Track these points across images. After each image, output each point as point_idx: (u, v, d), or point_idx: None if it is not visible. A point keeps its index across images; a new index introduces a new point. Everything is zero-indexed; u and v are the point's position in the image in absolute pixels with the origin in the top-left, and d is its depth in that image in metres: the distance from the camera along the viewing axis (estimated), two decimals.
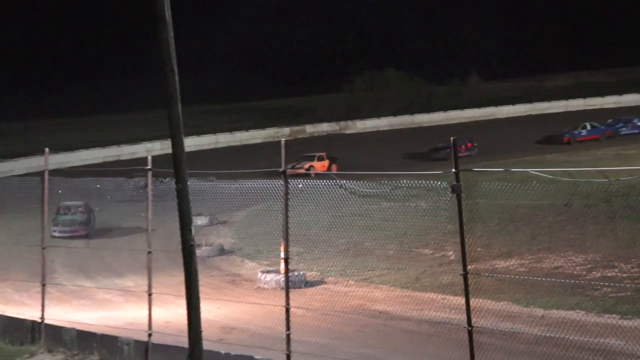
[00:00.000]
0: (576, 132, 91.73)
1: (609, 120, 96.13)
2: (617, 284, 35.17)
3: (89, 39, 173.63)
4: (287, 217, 25.40)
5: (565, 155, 73.73)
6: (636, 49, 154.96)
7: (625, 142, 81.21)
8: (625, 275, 36.73)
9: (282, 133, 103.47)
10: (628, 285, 34.62)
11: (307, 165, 69.15)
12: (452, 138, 22.15)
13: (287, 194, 25.30)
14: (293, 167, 65.53)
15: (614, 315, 31.93)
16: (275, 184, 26.34)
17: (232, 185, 32.76)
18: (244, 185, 31.84)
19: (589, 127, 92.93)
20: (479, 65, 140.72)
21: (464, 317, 21.98)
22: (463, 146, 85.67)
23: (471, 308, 21.95)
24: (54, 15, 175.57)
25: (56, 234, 52.95)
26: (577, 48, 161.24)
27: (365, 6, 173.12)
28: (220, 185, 33.58)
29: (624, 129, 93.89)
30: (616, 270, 37.92)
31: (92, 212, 56.94)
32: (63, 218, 55.94)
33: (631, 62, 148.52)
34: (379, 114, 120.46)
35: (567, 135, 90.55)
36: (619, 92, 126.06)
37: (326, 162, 72.59)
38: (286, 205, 25.33)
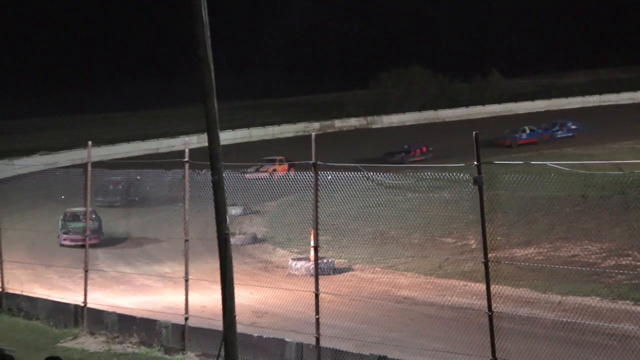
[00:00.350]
0: (517, 135, 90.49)
1: (543, 125, 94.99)
2: (630, 272, 35.10)
3: (131, 41, 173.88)
4: (316, 207, 25.41)
5: (581, 149, 73.46)
6: None
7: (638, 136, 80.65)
8: (638, 263, 36.64)
9: (312, 127, 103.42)
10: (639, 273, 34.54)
11: (271, 169, 66.68)
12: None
13: (317, 185, 25.32)
14: (257, 171, 63.18)
15: (627, 302, 31.81)
16: (305, 176, 26.36)
17: (265, 177, 32.83)
18: (276, 177, 31.86)
19: (527, 131, 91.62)
20: (500, 63, 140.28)
21: (484, 302, 21.97)
22: (418, 150, 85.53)
23: (491, 294, 21.92)
24: (100, 18, 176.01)
25: (66, 242, 48.14)
26: (594, 46, 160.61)
27: (391, 7, 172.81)
28: (254, 177, 33.66)
29: (559, 132, 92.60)
30: (630, 258, 37.80)
31: (100, 219, 51.11)
32: (73, 225, 49.81)
33: None
34: (404, 110, 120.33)
35: (508, 139, 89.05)
36: (634, 88, 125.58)
37: (286, 166, 69.93)
38: (316, 196, 25.35)
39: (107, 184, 54.91)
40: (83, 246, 44.42)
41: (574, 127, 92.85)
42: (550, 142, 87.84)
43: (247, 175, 52.71)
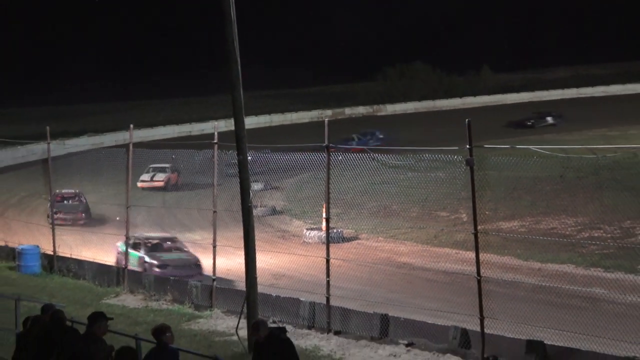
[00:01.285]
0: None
1: (354, 135, 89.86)
2: (602, 243, 35.05)
3: (167, 35, 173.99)
4: (328, 184, 25.45)
5: (560, 135, 73.28)
6: (623, 46, 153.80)
7: (612, 125, 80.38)
8: (609, 235, 36.59)
9: (325, 114, 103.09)
10: (611, 244, 34.49)
11: (165, 179, 61.37)
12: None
13: (329, 165, 25.35)
14: (152, 180, 56.85)
15: (599, 269, 31.81)
16: (319, 157, 26.38)
17: (284, 157, 32.78)
18: (293, 157, 31.85)
19: (356, 139, 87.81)
20: (490, 59, 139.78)
21: (474, 268, 22.00)
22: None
23: (480, 261, 21.97)
24: (139, 15, 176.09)
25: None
26: (573, 45, 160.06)
27: (396, 9, 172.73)
28: (274, 157, 33.63)
29: (370, 141, 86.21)
30: (601, 231, 37.78)
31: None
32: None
33: (619, 58, 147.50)
34: (406, 99, 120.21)
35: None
36: (607, 83, 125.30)
37: (175, 174, 59.62)
38: (328, 174, 25.39)
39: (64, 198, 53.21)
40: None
41: (381, 136, 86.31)
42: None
43: (140, 184, 52.23)
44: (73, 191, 47.94)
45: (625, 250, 32.40)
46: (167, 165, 54.95)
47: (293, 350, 15.14)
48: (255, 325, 15.61)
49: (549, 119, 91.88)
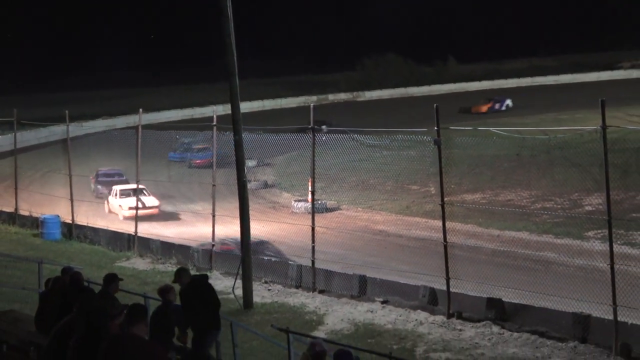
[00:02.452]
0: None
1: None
2: (553, 213, 35.13)
3: (172, 30, 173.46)
4: (313, 161, 25.41)
5: (516, 118, 73.17)
6: (572, 40, 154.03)
7: (562, 109, 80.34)
8: (559, 206, 36.68)
9: (311, 100, 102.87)
10: (561, 214, 34.56)
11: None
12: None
13: (314, 144, 25.30)
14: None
15: (550, 236, 31.90)
16: (305, 137, 26.32)
17: (274, 137, 32.73)
18: (283, 137, 31.79)
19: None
20: (456, 51, 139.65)
21: (441, 235, 22.04)
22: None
23: (446, 229, 22.00)
24: (144, 12, 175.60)
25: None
26: (527, 38, 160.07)
27: (373, 6, 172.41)
28: (266, 137, 33.55)
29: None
30: (553, 202, 37.86)
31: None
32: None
33: (568, 50, 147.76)
34: (382, 87, 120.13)
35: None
36: (558, 73, 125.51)
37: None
38: (313, 152, 25.35)
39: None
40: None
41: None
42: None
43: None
44: (115, 170, 47.92)
45: (574, 219, 32.42)
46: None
47: (214, 295, 15.17)
48: (177, 273, 15.58)
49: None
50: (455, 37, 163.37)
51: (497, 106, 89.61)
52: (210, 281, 25.74)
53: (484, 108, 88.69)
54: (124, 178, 45.07)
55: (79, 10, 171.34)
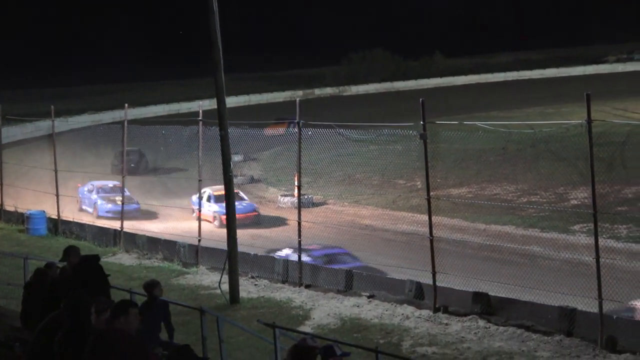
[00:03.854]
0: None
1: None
2: (538, 207, 35.21)
3: (160, 25, 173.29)
4: (300, 155, 25.42)
5: (503, 112, 73.19)
6: (560, 33, 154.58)
7: (548, 103, 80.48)
8: (544, 200, 36.78)
9: (297, 94, 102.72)
10: (546, 208, 34.64)
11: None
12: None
13: (300, 139, 25.31)
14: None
15: (536, 229, 32.02)
16: (291, 131, 26.33)
17: (260, 132, 32.74)
18: (269, 132, 31.79)
19: None
20: (442, 46, 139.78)
21: (427, 229, 22.07)
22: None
23: (432, 223, 22.03)
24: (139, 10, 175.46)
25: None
26: (514, 32, 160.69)
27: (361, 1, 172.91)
28: (252, 132, 33.56)
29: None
30: (538, 196, 37.95)
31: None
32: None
33: (554, 45, 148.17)
34: (368, 81, 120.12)
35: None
36: (544, 66, 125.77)
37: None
38: (299, 147, 25.36)
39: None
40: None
41: None
42: None
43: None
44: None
45: (559, 213, 32.54)
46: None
47: (104, 276, 14.24)
48: (65, 252, 14.86)
49: None
50: (442, 31, 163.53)
51: (292, 126, 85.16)
52: (197, 276, 25.94)
53: (281, 129, 79.80)
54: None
55: (68, 5, 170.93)
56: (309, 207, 36.19)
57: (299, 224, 25.33)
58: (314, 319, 21.24)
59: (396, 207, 37.34)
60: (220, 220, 35.09)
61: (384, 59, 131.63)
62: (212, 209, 37.55)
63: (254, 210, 37.99)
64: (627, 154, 39.50)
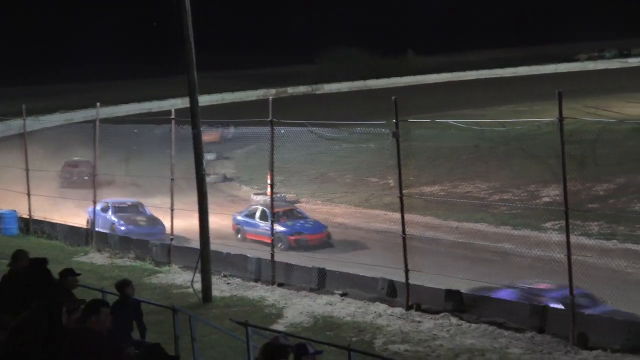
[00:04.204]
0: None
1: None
2: (511, 205, 35.38)
3: (134, 24, 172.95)
4: (272, 154, 25.42)
5: (476, 111, 73.39)
6: (532, 32, 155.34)
7: (520, 101, 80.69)
8: (517, 198, 36.96)
9: (270, 93, 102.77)
10: (519, 205, 34.83)
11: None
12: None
13: (273, 137, 25.31)
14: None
15: (508, 227, 32.19)
16: (264, 130, 26.29)
17: (233, 131, 32.72)
18: (242, 131, 31.76)
19: None
20: (416, 45, 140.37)
21: (400, 227, 22.12)
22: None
23: (406, 221, 22.10)
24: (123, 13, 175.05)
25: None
26: (487, 31, 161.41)
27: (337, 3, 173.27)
28: (225, 131, 33.56)
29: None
30: (511, 194, 38.13)
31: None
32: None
33: (528, 42, 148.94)
34: (341, 80, 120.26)
35: None
36: (516, 65, 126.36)
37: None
38: (272, 145, 25.35)
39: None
40: None
41: None
42: None
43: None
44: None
45: (532, 211, 32.74)
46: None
47: (51, 280, 13.94)
48: (14, 256, 14.41)
49: None
50: (415, 29, 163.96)
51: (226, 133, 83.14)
52: (169, 276, 25.88)
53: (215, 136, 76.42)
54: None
55: (41, 3, 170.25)
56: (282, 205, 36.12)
57: (272, 222, 25.36)
58: (287, 317, 21.24)
59: (369, 206, 37.41)
60: (289, 243, 31.54)
61: (358, 58, 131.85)
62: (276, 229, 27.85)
63: (325, 231, 32.72)
64: (599, 151, 39.76)
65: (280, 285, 24.44)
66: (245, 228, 33.84)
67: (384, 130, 25.56)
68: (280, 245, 29.90)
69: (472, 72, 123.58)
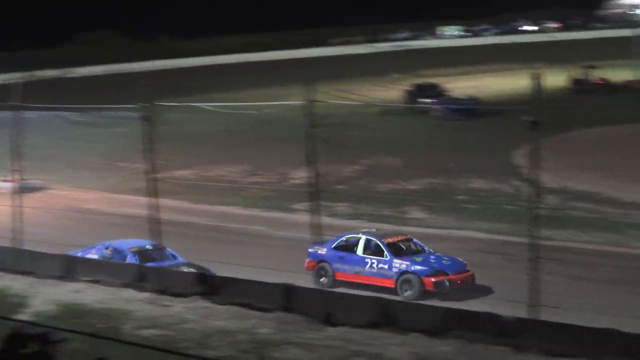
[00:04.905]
0: None
1: None
2: (261, 187, 35.78)
3: None
4: (17, 139, 24.75)
5: (231, 94, 73.06)
6: (286, 16, 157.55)
7: (272, 85, 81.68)
8: (267, 180, 37.37)
9: (15, 77, 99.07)
10: (269, 188, 35.32)
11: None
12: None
13: (19, 122, 24.68)
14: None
15: (258, 209, 32.64)
16: (5, 114, 25.55)
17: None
18: None
19: None
20: (171, 28, 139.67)
21: (152, 212, 22.09)
22: None
23: (158, 205, 22.10)
24: None
25: None
26: (240, 15, 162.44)
27: None
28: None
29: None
30: (261, 177, 38.48)
31: None
32: None
33: (281, 27, 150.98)
34: (94, 63, 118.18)
35: None
36: (269, 49, 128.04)
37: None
38: (16, 131, 24.69)
39: None
40: None
41: None
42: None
43: None
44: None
45: (282, 193, 33.33)
46: None
47: None
48: None
49: None
50: (168, 13, 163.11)
51: None
52: None
53: None
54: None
55: None
56: (31, 192, 34.92)
57: (19, 209, 24.73)
58: (33, 306, 20.81)
59: (119, 190, 36.72)
60: (423, 286, 22.11)
61: (112, 42, 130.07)
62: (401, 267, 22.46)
63: (467, 269, 23.01)
64: (347, 133, 40.83)
65: (27, 273, 23.80)
66: (336, 266, 23.14)
67: (134, 114, 25.39)
68: (407, 291, 22.26)
69: (224, 56, 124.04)
